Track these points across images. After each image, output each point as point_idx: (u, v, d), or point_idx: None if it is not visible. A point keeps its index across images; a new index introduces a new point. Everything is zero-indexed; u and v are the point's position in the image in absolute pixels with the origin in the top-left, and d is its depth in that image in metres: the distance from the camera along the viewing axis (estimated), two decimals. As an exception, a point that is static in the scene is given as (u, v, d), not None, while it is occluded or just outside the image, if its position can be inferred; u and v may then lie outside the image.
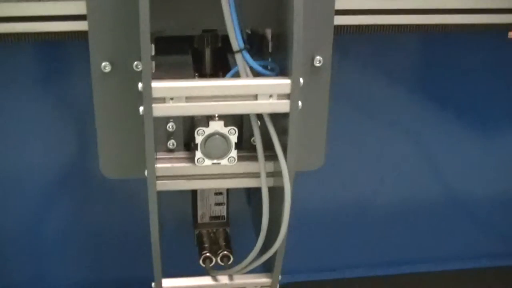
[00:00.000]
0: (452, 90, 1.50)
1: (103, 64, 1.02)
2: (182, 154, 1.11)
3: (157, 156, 1.09)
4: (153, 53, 1.03)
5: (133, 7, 0.90)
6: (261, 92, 0.96)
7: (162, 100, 0.94)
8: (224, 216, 1.28)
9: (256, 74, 0.99)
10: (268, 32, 1.09)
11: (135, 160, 1.07)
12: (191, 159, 1.06)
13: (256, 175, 1.07)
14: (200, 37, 1.13)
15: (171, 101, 0.94)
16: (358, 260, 1.62)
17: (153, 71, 1.05)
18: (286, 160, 1.00)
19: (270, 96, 0.96)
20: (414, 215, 1.58)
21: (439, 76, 1.49)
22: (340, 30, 1.20)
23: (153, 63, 1.04)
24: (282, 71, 1.00)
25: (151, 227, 1.05)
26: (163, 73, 1.06)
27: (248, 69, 0.97)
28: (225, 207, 1.28)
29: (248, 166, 1.08)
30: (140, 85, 0.92)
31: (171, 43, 1.08)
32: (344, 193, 1.57)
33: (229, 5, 0.92)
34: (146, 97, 0.93)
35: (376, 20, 1.24)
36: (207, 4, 1.01)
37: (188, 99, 0.95)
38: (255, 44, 1.12)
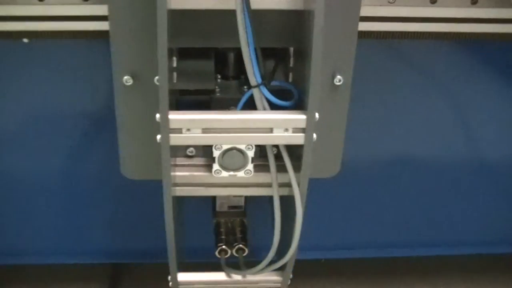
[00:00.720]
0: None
1: (125, 77, 1.03)
2: (200, 161, 1.13)
3: (176, 163, 1.12)
4: (174, 64, 1.04)
5: (154, 23, 0.90)
6: (277, 126, 0.97)
7: (179, 130, 0.96)
8: (242, 206, 1.32)
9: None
10: (290, 50, 1.09)
11: (155, 164, 1.10)
12: (209, 168, 1.09)
13: (271, 184, 1.11)
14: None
15: (187, 132, 0.96)
16: (371, 240, 1.66)
17: (175, 80, 1.06)
18: (299, 186, 1.03)
19: (286, 129, 0.97)
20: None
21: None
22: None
23: (174, 74, 1.05)
24: (300, 94, 1.01)
25: (166, 229, 1.10)
26: (185, 81, 1.07)
27: (265, 102, 0.98)
28: (243, 198, 1.32)
29: (264, 177, 1.11)
30: (157, 116, 0.94)
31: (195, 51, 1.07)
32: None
33: (247, 41, 0.92)
34: (163, 128, 0.95)
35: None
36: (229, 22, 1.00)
37: (205, 130, 0.97)
38: (278, 56, 1.11)
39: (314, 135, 0.98)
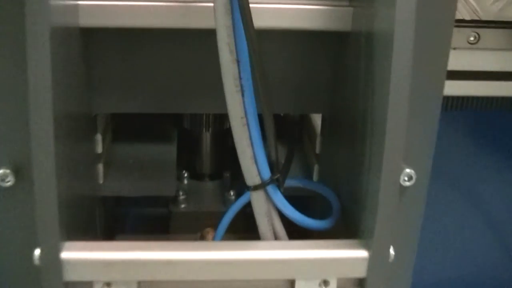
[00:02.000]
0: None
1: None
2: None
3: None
4: (100, 150, 0.58)
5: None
6: (305, 276, 0.44)
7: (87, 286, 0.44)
8: None
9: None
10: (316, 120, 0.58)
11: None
12: None
13: None
14: (194, 114, 0.68)
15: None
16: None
17: (101, 180, 0.59)
18: None
19: (325, 282, 0.45)
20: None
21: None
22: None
23: (100, 167, 0.60)
24: (346, 205, 0.51)
25: None
26: (118, 182, 0.60)
27: (275, 219, 0.46)
28: None
29: None
30: (36, 252, 0.42)
31: (146, 118, 0.70)
32: None
33: (243, 107, 0.41)
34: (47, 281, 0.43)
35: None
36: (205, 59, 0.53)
37: (145, 284, 0.44)
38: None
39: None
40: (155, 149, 0.67)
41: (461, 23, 0.69)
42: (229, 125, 0.65)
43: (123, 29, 0.49)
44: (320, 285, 0.46)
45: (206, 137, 0.69)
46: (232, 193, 0.66)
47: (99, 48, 0.52)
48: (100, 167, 0.59)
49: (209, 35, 0.43)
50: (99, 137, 0.57)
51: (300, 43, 0.53)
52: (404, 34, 0.41)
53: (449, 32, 0.50)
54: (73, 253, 0.44)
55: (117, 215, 0.68)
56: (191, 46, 0.53)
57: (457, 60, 0.73)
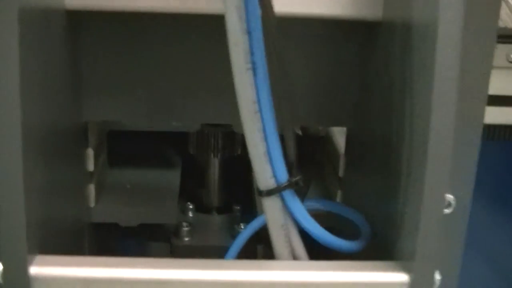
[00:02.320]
0: None
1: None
2: None
3: None
4: (91, 168, 0.49)
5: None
6: None
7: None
8: None
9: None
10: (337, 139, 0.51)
11: None
12: None
13: None
14: (200, 135, 0.58)
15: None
16: None
17: (92, 199, 0.51)
18: None
19: None
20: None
21: None
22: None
23: (92, 186, 0.51)
24: (379, 228, 0.42)
25: None
26: (119, 205, 0.54)
27: (295, 237, 0.38)
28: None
29: None
30: None
31: (146, 139, 0.63)
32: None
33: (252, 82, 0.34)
34: None
35: None
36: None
37: None
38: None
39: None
40: (156, 174, 0.59)
41: (502, 38, 0.62)
42: (241, 150, 0.59)
43: (119, 13, 0.42)
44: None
45: (214, 164, 0.61)
46: (242, 225, 0.58)
47: (90, 37, 0.45)
48: (92, 187, 0.51)
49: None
50: (90, 152, 0.50)
51: (319, 37, 0.46)
52: (451, 23, 0.34)
53: (491, 46, 0.42)
54: (45, 268, 0.36)
55: (110, 247, 0.60)
56: (201, 37, 0.46)
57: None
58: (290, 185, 0.37)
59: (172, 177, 0.59)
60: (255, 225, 0.44)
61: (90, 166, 0.50)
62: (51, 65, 0.39)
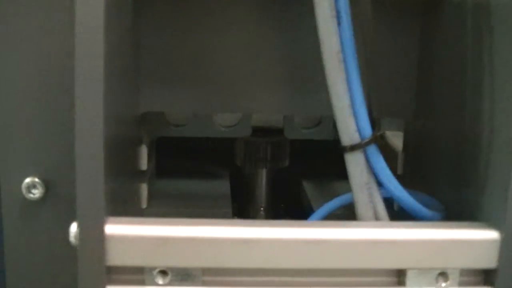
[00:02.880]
0: None
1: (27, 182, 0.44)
2: None
3: None
4: (144, 167, 0.50)
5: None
6: (419, 264, 0.33)
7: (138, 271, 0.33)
8: None
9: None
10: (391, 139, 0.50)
11: None
12: None
13: None
14: (248, 146, 0.56)
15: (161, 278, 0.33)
16: None
17: (144, 199, 0.49)
18: None
19: (442, 274, 0.34)
20: None
21: None
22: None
23: (145, 185, 0.50)
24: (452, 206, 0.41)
25: None
26: (171, 207, 0.52)
27: (376, 192, 0.36)
28: None
29: None
30: (72, 228, 0.32)
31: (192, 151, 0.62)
32: None
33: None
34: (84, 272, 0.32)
35: None
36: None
37: (213, 272, 0.33)
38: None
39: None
40: (205, 184, 0.57)
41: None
42: (288, 162, 0.58)
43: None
44: (437, 279, 0.35)
45: (262, 176, 0.59)
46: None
47: (151, 19, 0.45)
48: (144, 187, 0.50)
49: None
50: (144, 149, 0.48)
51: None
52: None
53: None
54: (120, 226, 0.34)
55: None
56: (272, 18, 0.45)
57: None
58: (375, 139, 0.36)
59: (222, 187, 0.57)
60: (343, 198, 0.42)
61: (143, 165, 0.49)
62: (122, 48, 0.39)
